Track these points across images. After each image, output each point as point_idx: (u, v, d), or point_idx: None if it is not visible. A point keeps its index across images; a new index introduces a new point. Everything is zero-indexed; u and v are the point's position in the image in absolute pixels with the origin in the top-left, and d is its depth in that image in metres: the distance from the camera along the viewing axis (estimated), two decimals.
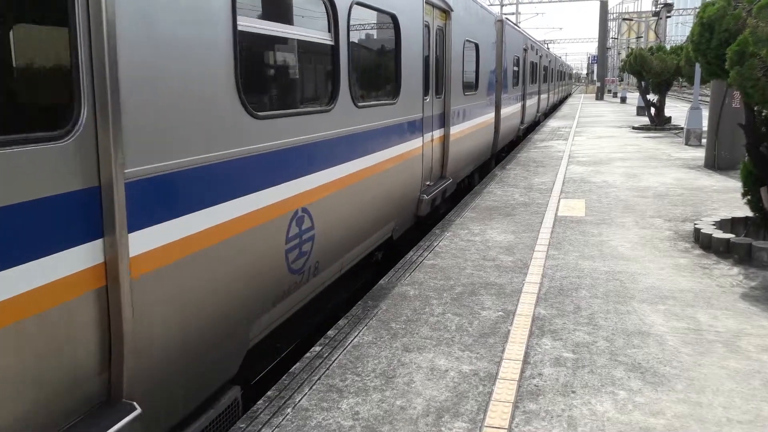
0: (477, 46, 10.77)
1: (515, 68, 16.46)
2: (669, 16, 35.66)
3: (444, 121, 8.50)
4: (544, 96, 26.62)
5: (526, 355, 4.06)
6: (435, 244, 6.79)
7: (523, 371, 3.84)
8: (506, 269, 5.88)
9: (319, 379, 3.75)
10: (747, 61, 5.55)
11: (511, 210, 8.54)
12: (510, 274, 5.73)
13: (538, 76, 24.05)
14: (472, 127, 10.39)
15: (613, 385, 3.65)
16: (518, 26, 20.03)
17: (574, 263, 6.05)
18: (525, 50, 18.98)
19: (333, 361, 3.98)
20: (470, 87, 10.34)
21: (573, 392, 3.58)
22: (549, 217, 8.03)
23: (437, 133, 8.20)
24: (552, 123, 25.68)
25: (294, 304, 4.31)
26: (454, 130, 8.94)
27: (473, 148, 10.65)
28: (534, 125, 23.15)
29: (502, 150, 15.68)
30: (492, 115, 12.71)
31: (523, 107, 18.93)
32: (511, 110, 15.67)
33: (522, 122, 18.75)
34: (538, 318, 4.69)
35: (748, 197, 6.68)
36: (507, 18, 15.66)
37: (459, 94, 9.33)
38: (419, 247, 6.73)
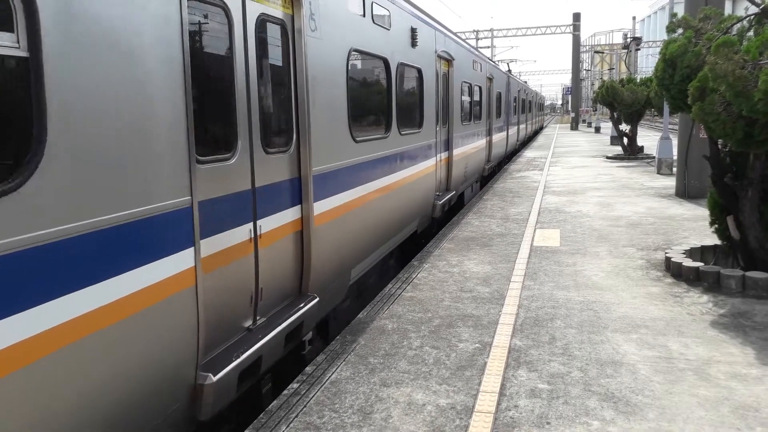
0: (471, 86, 12.84)
1: (499, 102, 18.34)
2: (638, 49, 36.82)
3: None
4: (522, 126, 28.53)
5: (503, 387, 4.11)
6: (413, 276, 6.85)
7: (499, 403, 3.89)
8: (483, 300, 5.96)
9: (296, 416, 3.75)
10: (708, 96, 5.79)
11: (488, 241, 8.66)
12: (487, 306, 5.80)
13: (519, 108, 26.16)
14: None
15: (586, 416, 3.71)
16: (498, 65, 21.24)
17: (549, 293, 6.15)
18: (509, 86, 20.96)
19: (311, 398, 3.98)
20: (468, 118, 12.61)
21: (548, 423, 3.63)
22: (525, 248, 8.16)
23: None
24: (528, 153, 26.14)
25: (371, 262, 6.42)
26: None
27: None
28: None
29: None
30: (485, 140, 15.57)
31: (507, 135, 21.36)
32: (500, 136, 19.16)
33: (506, 149, 21.41)
34: (514, 349, 4.75)
35: (716, 226, 6.88)
36: (493, 60, 17.31)
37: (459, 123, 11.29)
38: (398, 279, 6.79)
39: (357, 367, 4.47)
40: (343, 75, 5.44)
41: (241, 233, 3.82)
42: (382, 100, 6.92)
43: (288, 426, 3.64)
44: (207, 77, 3.59)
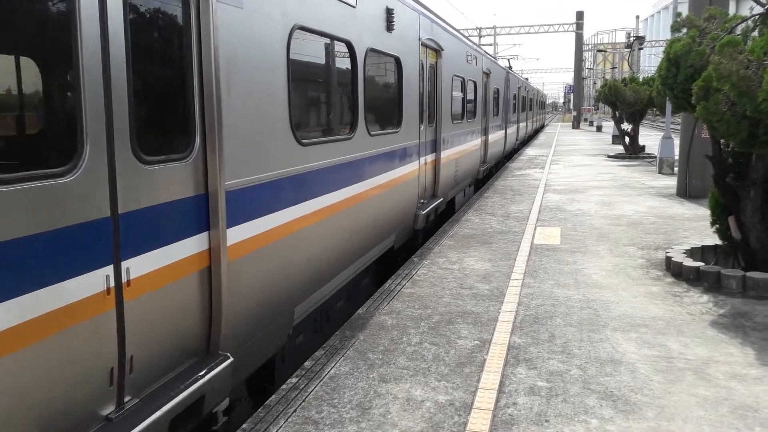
0: (464, 80, 11.90)
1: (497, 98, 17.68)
2: (641, 48, 36.78)
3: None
4: (522, 125, 28.10)
5: (501, 384, 4.11)
6: (413, 273, 6.84)
7: (498, 400, 3.88)
8: (483, 298, 5.95)
9: (294, 411, 3.75)
10: (712, 96, 5.77)
11: (488, 238, 8.65)
12: (486, 303, 5.79)
13: (518, 105, 25.65)
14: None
15: (585, 414, 3.71)
16: (497, 60, 21.05)
17: (549, 291, 6.14)
18: (507, 81, 20.36)
19: (309, 393, 3.98)
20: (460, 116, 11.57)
21: (546, 421, 3.63)
22: (525, 245, 8.15)
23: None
24: (529, 151, 26.12)
25: (324, 294, 5.15)
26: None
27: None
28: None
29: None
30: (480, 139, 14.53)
31: (506, 134, 20.57)
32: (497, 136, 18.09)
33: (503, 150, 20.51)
34: (513, 347, 4.74)
35: (717, 226, 6.87)
36: (489, 53, 16.64)
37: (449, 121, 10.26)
38: (398, 275, 6.78)
39: (356, 362, 4.47)
40: (283, 59, 4.20)
41: (85, 284, 2.60)
42: (344, 93, 5.70)
43: (286, 420, 3.63)
44: (17, 50, 2.48)
